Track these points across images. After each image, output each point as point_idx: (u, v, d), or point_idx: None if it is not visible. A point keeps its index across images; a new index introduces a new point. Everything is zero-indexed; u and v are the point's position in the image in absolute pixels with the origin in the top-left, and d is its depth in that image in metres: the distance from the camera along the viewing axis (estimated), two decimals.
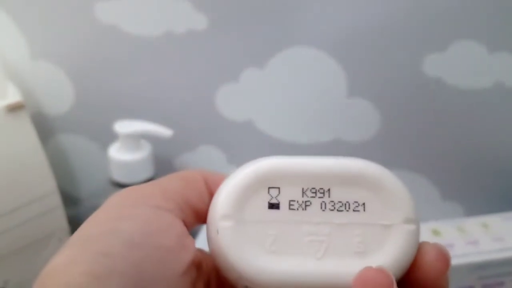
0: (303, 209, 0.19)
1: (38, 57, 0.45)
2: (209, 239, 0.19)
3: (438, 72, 0.40)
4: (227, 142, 0.46)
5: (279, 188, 0.19)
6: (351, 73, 0.41)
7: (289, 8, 0.39)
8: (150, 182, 0.21)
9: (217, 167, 0.46)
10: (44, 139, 0.46)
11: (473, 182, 0.43)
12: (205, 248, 0.21)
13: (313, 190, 0.19)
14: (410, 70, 0.40)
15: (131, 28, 0.42)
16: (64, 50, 0.45)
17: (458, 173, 0.43)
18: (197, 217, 0.21)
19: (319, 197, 0.19)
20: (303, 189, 0.19)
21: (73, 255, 0.17)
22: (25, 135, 0.40)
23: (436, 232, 0.37)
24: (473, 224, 0.37)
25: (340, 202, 0.19)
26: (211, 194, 0.21)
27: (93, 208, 0.19)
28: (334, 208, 0.19)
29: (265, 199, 0.19)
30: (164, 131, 0.42)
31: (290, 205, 0.19)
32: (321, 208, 0.19)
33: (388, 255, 0.19)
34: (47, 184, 0.41)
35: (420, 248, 0.19)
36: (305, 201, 0.19)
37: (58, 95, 0.46)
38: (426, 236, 0.36)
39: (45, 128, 0.47)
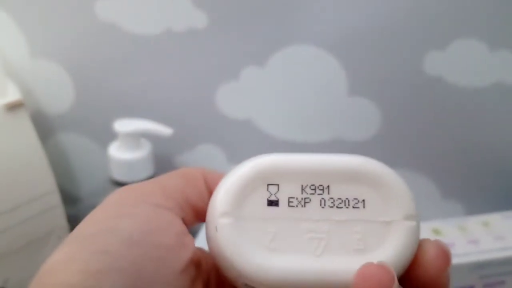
0: (302, 206, 0.19)
1: (38, 56, 0.45)
2: (208, 237, 0.19)
3: (438, 70, 0.39)
4: (227, 140, 0.45)
5: (278, 185, 0.19)
6: (351, 71, 0.41)
7: (290, 6, 0.39)
8: (150, 180, 0.21)
9: (217, 166, 0.46)
10: (44, 138, 0.46)
11: (474, 181, 0.43)
12: (205, 247, 0.20)
13: (313, 187, 0.19)
14: (411, 69, 0.40)
15: (131, 27, 0.42)
16: (64, 48, 0.44)
17: (458, 172, 0.43)
18: (196, 215, 0.21)
19: (319, 194, 0.19)
20: (302, 186, 0.19)
21: (72, 253, 0.17)
22: (25, 134, 0.40)
23: (436, 231, 0.36)
24: (474, 223, 0.37)
25: (339, 199, 0.19)
26: (210, 192, 0.21)
27: (93, 207, 0.19)
28: (334, 205, 0.19)
29: (264, 196, 0.19)
30: (164, 130, 0.42)
31: (289, 202, 0.19)
32: (320, 205, 0.19)
33: (389, 252, 0.18)
34: (47, 182, 0.41)
35: (420, 245, 0.19)
36: (305, 198, 0.19)
37: (58, 93, 0.46)
38: (426, 235, 0.35)
39: (45, 126, 0.47)
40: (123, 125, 0.42)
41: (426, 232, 0.36)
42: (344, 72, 0.41)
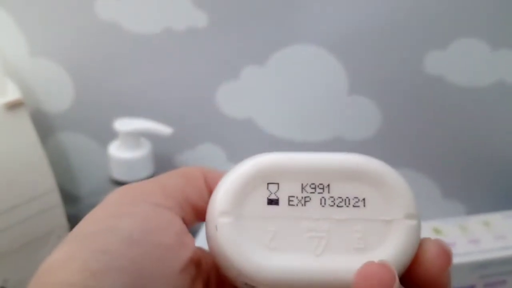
0: (302, 205, 0.19)
1: (37, 55, 0.45)
2: (208, 236, 0.19)
3: (439, 70, 0.39)
4: (227, 140, 0.45)
5: (278, 184, 0.19)
6: (351, 71, 0.41)
7: (290, 5, 0.39)
8: (150, 180, 0.21)
9: (217, 165, 0.46)
10: (43, 137, 0.46)
11: (475, 181, 0.43)
12: (205, 246, 0.20)
13: (313, 186, 0.19)
14: (411, 68, 0.40)
15: (131, 26, 0.42)
16: (64, 47, 0.44)
17: (459, 172, 0.43)
18: (196, 215, 0.21)
19: (319, 193, 0.19)
20: (302, 184, 0.19)
21: (71, 252, 0.17)
22: (25, 133, 0.40)
23: (437, 231, 0.36)
24: (475, 223, 0.37)
25: (340, 197, 0.19)
26: (210, 192, 0.20)
27: (93, 206, 0.19)
28: (334, 203, 0.19)
29: (264, 195, 0.19)
30: (164, 129, 0.42)
31: (289, 201, 0.19)
32: (320, 204, 0.19)
33: (389, 251, 0.18)
34: (47, 182, 0.41)
35: (421, 244, 0.19)
36: (305, 197, 0.19)
37: (58, 92, 0.46)
38: (427, 234, 0.35)
39: (44, 126, 0.47)
40: (123, 124, 0.42)
41: (427, 231, 0.36)
42: (344, 71, 0.41)
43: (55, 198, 0.42)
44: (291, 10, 0.39)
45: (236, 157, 0.46)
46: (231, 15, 0.40)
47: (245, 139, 0.45)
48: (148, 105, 0.45)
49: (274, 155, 0.19)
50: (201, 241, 0.21)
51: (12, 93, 0.40)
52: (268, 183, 0.19)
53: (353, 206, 0.19)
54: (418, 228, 0.19)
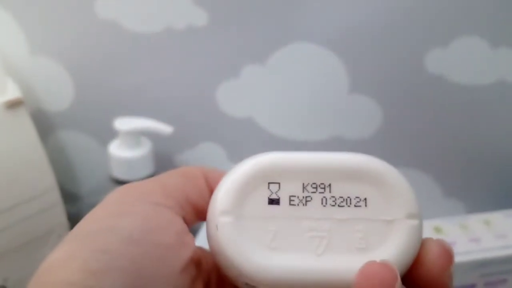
0: (303, 205, 0.19)
1: (37, 53, 0.45)
2: (208, 236, 0.19)
3: (440, 68, 0.39)
4: (228, 138, 0.45)
5: (279, 183, 0.19)
6: (352, 69, 0.41)
7: (290, 4, 0.39)
8: (150, 179, 0.21)
9: (217, 164, 0.46)
10: (43, 136, 0.46)
11: (475, 179, 0.43)
12: (206, 246, 0.20)
13: (314, 185, 0.19)
14: (412, 66, 0.40)
15: (131, 24, 0.42)
16: (64, 46, 0.44)
17: (460, 170, 0.43)
18: (197, 214, 0.21)
19: (320, 193, 0.19)
20: (303, 184, 0.19)
21: (71, 251, 0.17)
22: (25, 132, 0.40)
23: (438, 230, 0.36)
24: (475, 221, 0.37)
25: (341, 197, 0.19)
26: (211, 191, 0.20)
27: (93, 205, 0.19)
28: (335, 203, 0.19)
29: (265, 195, 0.19)
30: (164, 128, 0.42)
31: (290, 200, 0.19)
32: (321, 203, 0.19)
33: (391, 250, 0.18)
34: (47, 181, 0.41)
35: (423, 244, 0.19)
36: (306, 197, 0.19)
37: (58, 91, 0.46)
38: (428, 233, 0.36)
39: (44, 124, 0.47)
40: (123, 123, 0.42)
41: (428, 230, 0.36)
42: (345, 70, 0.41)
43: (55, 197, 0.42)
44: (292, 8, 0.39)
45: (236, 156, 0.46)
46: (231, 13, 0.40)
47: (246, 138, 0.45)
48: (148, 104, 0.45)
49: (275, 154, 0.19)
50: (201, 241, 0.21)
51: (12, 92, 0.40)
52: (269, 183, 0.19)
53: (355, 205, 0.19)
54: (419, 228, 0.19)
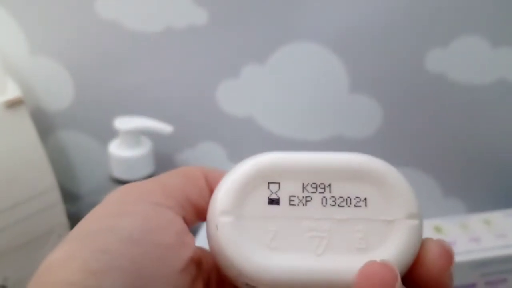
0: (303, 205, 0.19)
1: (37, 53, 0.45)
2: (208, 236, 0.19)
3: (440, 67, 0.39)
4: (228, 138, 0.45)
5: (279, 183, 0.19)
6: (352, 69, 0.41)
7: (290, 3, 0.39)
8: (150, 179, 0.21)
9: (217, 163, 0.46)
10: (43, 135, 0.46)
11: (475, 179, 0.43)
12: (205, 246, 0.20)
13: (314, 185, 0.19)
14: (412, 66, 0.40)
15: (131, 24, 0.42)
16: (64, 45, 0.44)
17: (460, 170, 0.43)
18: (197, 214, 0.21)
19: (320, 192, 0.19)
20: (303, 184, 0.19)
21: (72, 251, 0.17)
22: (25, 131, 0.40)
23: (438, 229, 0.36)
24: (476, 221, 0.37)
25: (341, 197, 0.19)
26: (211, 191, 0.20)
27: (93, 205, 0.19)
28: (335, 203, 0.19)
29: (265, 195, 0.19)
30: (164, 128, 0.42)
31: (290, 200, 0.19)
32: (321, 203, 0.19)
33: (391, 251, 0.18)
34: (47, 180, 0.41)
35: (423, 245, 0.19)
36: (306, 197, 0.19)
37: (58, 91, 0.46)
38: (428, 233, 0.36)
39: (44, 124, 0.47)
40: (123, 123, 0.42)
41: (428, 229, 0.36)
42: (345, 69, 0.41)
43: (55, 196, 0.42)
44: (292, 8, 0.39)
45: (236, 155, 0.46)
46: (232, 13, 0.40)
47: (246, 138, 0.45)
48: (148, 104, 0.45)
49: (275, 154, 0.19)
50: (201, 241, 0.21)
51: (12, 91, 0.40)
52: (269, 183, 0.19)
53: (355, 206, 0.19)
54: (420, 228, 0.19)
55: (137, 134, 0.42)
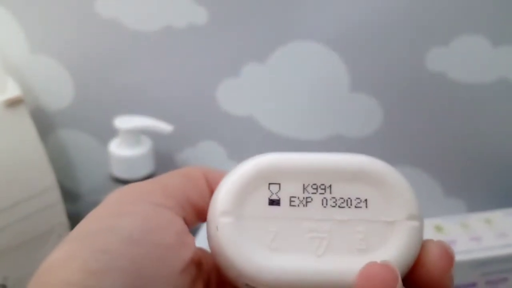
0: (304, 206, 0.19)
1: (37, 52, 0.45)
2: (208, 236, 0.19)
3: (441, 66, 0.39)
4: (228, 137, 0.45)
5: (279, 184, 0.19)
6: (352, 68, 0.41)
7: (290, 2, 0.39)
8: (151, 179, 0.21)
9: (217, 163, 0.46)
10: (43, 134, 0.46)
11: (476, 178, 0.43)
12: (205, 246, 0.20)
13: (314, 186, 0.19)
14: (413, 65, 0.40)
15: (131, 23, 0.42)
16: (64, 44, 0.44)
17: (460, 169, 0.43)
18: (197, 215, 0.21)
19: (320, 193, 0.19)
20: (304, 185, 0.19)
21: (72, 251, 0.17)
22: (25, 130, 0.40)
23: (438, 228, 0.36)
24: (476, 220, 0.37)
25: (341, 198, 0.19)
26: (211, 192, 0.20)
27: (93, 204, 0.19)
28: (336, 204, 0.19)
29: (265, 195, 0.19)
30: (164, 127, 0.42)
31: (290, 201, 0.19)
32: (322, 204, 0.19)
33: (391, 252, 0.18)
34: (47, 179, 0.41)
35: (424, 246, 0.19)
36: (306, 197, 0.19)
37: (58, 90, 0.46)
38: (428, 232, 0.36)
39: (44, 123, 0.47)
40: (123, 122, 0.42)
41: (428, 228, 0.36)
42: (346, 68, 0.41)
43: (55, 195, 0.42)
44: (292, 7, 0.39)
45: (236, 154, 0.46)
46: (232, 12, 0.40)
47: (246, 137, 0.45)
48: (148, 103, 0.45)
49: (275, 155, 0.19)
50: (201, 241, 0.21)
51: (12, 90, 0.40)
52: (269, 184, 0.19)
53: (355, 207, 0.19)
54: (420, 229, 0.19)
55: (137, 133, 0.42)
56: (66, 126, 0.47)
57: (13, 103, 0.39)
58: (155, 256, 0.18)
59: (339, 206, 0.19)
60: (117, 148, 0.42)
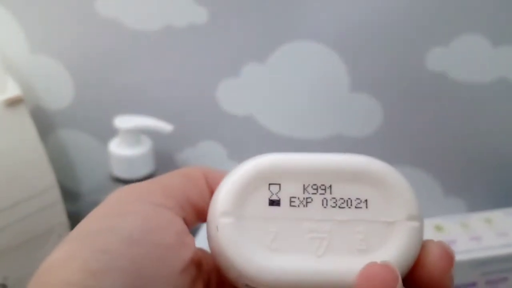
0: (304, 206, 0.19)
1: (37, 51, 0.45)
2: (209, 237, 0.19)
3: (441, 66, 0.39)
4: (228, 137, 0.45)
5: (279, 184, 0.19)
6: (352, 68, 0.41)
7: (290, 2, 0.39)
8: (151, 180, 0.21)
9: (217, 162, 0.46)
10: (43, 134, 0.46)
11: (476, 178, 0.43)
12: (205, 247, 0.20)
13: (314, 187, 0.19)
14: (413, 64, 0.40)
15: (131, 22, 0.42)
16: (64, 44, 0.44)
17: (461, 169, 0.43)
18: (197, 215, 0.21)
19: (321, 194, 0.19)
20: (304, 185, 0.19)
21: (72, 251, 0.17)
22: (25, 130, 0.40)
23: (439, 228, 0.36)
24: (476, 220, 0.37)
25: (342, 198, 0.19)
26: (212, 192, 0.20)
27: (93, 204, 0.19)
28: (336, 204, 0.19)
29: (265, 196, 0.19)
30: (164, 126, 0.42)
31: (291, 201, 0.19)
32: (322, 204, 0.19)
33: (391, 252, 0.18)
34: (47, 179, 0.41)
35: (424, 246, 0.19)
36: (306, 198, 0.19)
37: (58, 89, 0.46)
38: (429, 232, 0.36)
39: (44, 123, 0.47)
40: (123, 122, 0.42)
41: (429, 228, 0.36)
42: (346, 68, 0.41)
43: (55, 195, 0.42)
44: (292, 7, 0.39)
45: (236, 154, 0.46)
46: (232, 12, 0.40)
47: (246, 136, 0.45)
48: (148, 102, 0.45)
49: (276, 155, 0.19)
50: (201, 241, 0.21)
51: (12, 90, 0.40)
52: (269, 184, 0.19)
53: (355, 207, 0.19)
54: (420, 230, 0.19)
55: (137, 133, 0.42)
56: (66, 126, 0.47)
57: (13, 103, 0.39)
58: (155, 256, 0.18)
59: (339, 207, 0.19)
60: (117, 148, 0.42)
